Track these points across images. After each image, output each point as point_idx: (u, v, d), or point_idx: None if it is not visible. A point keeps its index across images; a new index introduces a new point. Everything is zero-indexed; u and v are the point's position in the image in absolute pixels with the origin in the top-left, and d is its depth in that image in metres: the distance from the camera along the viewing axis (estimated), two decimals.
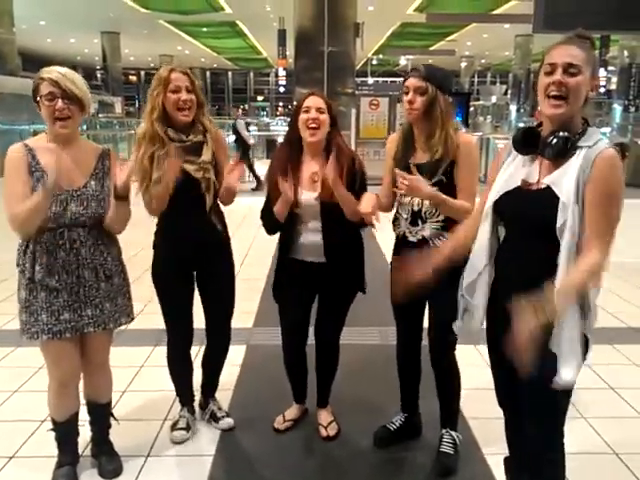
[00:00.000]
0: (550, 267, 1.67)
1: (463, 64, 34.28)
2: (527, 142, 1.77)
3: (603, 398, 3.16)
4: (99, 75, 31.67)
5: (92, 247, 2.23)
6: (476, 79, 39.94)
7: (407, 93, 2.33)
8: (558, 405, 1.83)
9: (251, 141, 11.52)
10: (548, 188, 1.69)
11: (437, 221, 2.35)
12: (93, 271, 2.24)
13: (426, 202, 2.34)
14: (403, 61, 29.33)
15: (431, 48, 27.93)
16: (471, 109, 24.42)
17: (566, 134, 1.67)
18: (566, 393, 1.80)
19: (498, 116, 27.60)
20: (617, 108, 20.15)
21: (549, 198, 1.67)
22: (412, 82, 2.32)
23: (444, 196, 2.26)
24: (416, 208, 2.38)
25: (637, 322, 4.31)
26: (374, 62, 32.55)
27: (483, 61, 34.87)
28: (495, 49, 27.40)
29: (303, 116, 2.45)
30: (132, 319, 2.44)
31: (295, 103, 2.64)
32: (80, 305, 2.23)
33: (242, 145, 11.19)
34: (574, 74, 1.64)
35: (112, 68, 27.40)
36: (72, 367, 2.32)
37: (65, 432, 2.41)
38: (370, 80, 25.19)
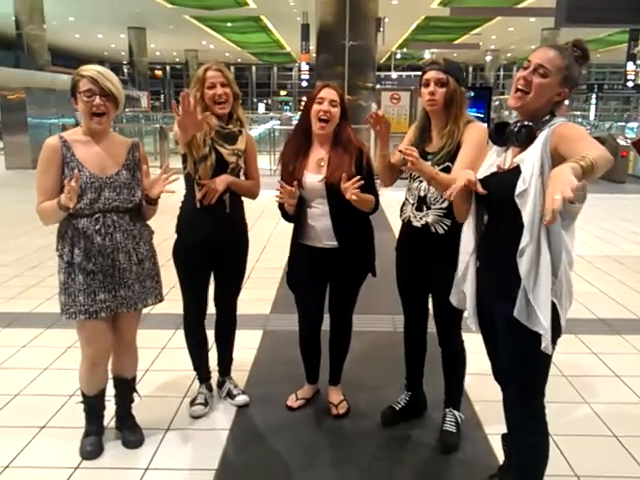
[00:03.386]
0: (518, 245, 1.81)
1: (488, 58, 33.94)
2: (499, 134, 1.92)
3: (607, 385, 3.24)
4: (125, 70, 32.10)
5: (125, 232, 2.40)
6: (502, 73, 39.49)
7: (427, 85, 2.43)
8: (535, 374, 1.94)
9: None
10: (517, 167, 1.82)
11: (440, 208, 2.45)
12: (127, 254, 2.41)
13: (432, 188, 2.43)
14: (427, 55, 29.15)
15: (456, 42, 27.72)
16: (496, 103, 24.23)
17: (527, 122, 1.82)
18: (542, 362, 1.91)
19: None
20: None
21: (516, 174, 1.80)
22: (433, 74, 2.42)
23: (435, 171, 2.27)
24: (422, 194, 2.49)
25: None
26: (398, 56, 32.41)
27: (509, 55, 34.46)
28: (521, 43, 27.09)
29: (316, 107, 2.57)
30: (161, 300, 2.59)
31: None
32: (114, 286, 2.40)
33: None
34: (542, 75, 1.80)
35: (138, 63, 27.79)
36: (104, 346, 2.49)
37: (93, 405, 2.59)
38: (394, 74, 25.11)
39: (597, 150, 1.61)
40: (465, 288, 2.10)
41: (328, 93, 2.59)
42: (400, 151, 2.18)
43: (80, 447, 2.57)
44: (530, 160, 1.78)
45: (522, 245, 1.79)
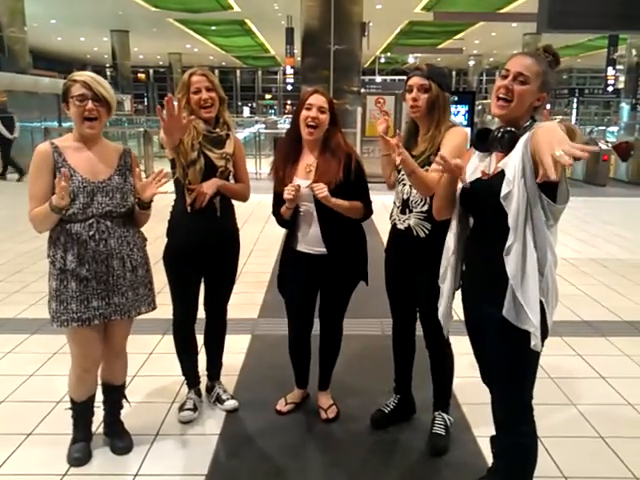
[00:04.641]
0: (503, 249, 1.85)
1: (471, 62, 34.25)
2: (482, 140, 1.96)
3: (594, 387, 3.28)
4: (108, 73, 31.85)
5: (120, 238, 2.39)
6: (484, 77, 39.85)
7: (410, 91, 2.47)
8: (523, 375, 1.97)
9: (11, 135, 11.84)
10: (502, 171, 1.86)
11: (421, 211, 2.49)
12: (121, 261, 2.39)
13: (413, 191, 2.48)
14: (411, 59, 29.33)
15: (439, 46, 27.91)
16: (479, 107, 24.45)
17: (511, 128, 1.86)
18: (530, 362, 1.95)
19: None
20: (625, 107, 20.10)
21: (501, 179, 1.84)
22: (416, 80, 2.46)
23: (416, 166, 2.32)
24: (405, 197, 2.54)
25: (632, 316, 4.41)
26: (382, 60, 32.57)
27: (491, 59, 34.77)
28: (503, 47, 27.31)
29: (304, 113, 2.59)
30: (154, 308, 2.58)
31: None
32: (108, 293, 2.38)
33: (1, 140, 11.74)
34: (522, 82, 1.85)
35: (121, 66, 27.54)
36: (95, 355, 2.47)
37: (82, 411, 2.57)
38: (378, 79, 25.23)
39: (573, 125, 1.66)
40: (443, 288, 2.15)
41: (317, 99, 2.60)
42: (381, 136, 2.32)
43: (68, 454, 2.54)
44: (512, 163, 1.83)
45: (508, 244, 1.83)
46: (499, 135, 1.87)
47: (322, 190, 2.49)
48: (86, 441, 2.58)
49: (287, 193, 2.54)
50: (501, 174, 1.86)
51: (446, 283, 2.14)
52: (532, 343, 1.84)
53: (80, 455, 2.53)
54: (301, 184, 2.63)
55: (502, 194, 1.81)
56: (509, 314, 1.86)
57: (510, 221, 1.81)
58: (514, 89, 1.85)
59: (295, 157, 2.69)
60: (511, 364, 1.95)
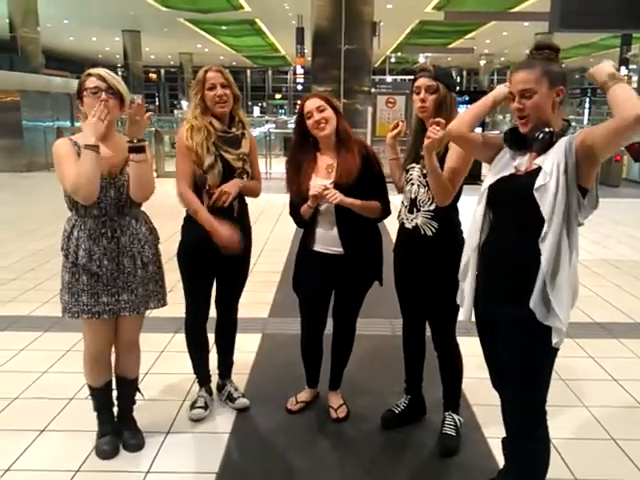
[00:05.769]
0: (536, 253, 1.84)
1: (482, 62, 34.09)
2: (515, 139, 1.96)
3: (605, 389, 3.26)
4: (120, 73, 32.01)
5: (131, 236, 2.42)
6: (495, 77, 39.67)
7: (418, 92, 2.50)
8: (536, 373, 1.96)
9: None
10: (537, 168, 1.87)
11: (428, 210, 2.50)
12: (132, 259, 2.42)
13: (421, 190, 2.50)
14: (422, 59, 29.22)
15: (450, 46, 27.82)
16: None
17: (551, 129, 1.87)
18: (546, 365, 1.95)
19: None
20: None
21: (536, 175, 1.86)
22: (423, 82, 2.48)
23: (437, 166, 2.35)
24: (413, 196, 2.55)
25: None
26: (392, 60, 32.49)
27: (502, 59, 34.60)
28: (514, 47, 27.16)
29: (309, 122, 2.61)
30: (163, 304, 2.60)
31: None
32: (118, 290, 2.41)
33: None
34: (530, 96, 1.86)
35: (133, 66, 27.69)
36: (107, 340, 2.52)
37: (101, 399, 2.59)
38: (389, 78, 25.18)
39: None
40: (464, 284, 2.12)
41: (312, 103, 2.62)
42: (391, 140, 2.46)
43: (96, 447, 2.58)
44: (551, 159, 1.84)
45: (543, 232, 1.83)
46: (540, 136, 1.88)
47: (335, 196, 2.51)
48: (112, 434, 2.60)
49: (314, 190, 2.55)
50: (537, 170, 1.87)
51: (467, 281, 2.11)
52: (554, 341, 1.84)
53: (109, 448, 2.56)
54: (321, 183, 2.62)
55: (536, 186, 1.82)
56: (536, 306, 1.84)
57: (544, 212, 1.81)
58: (525, 105, 1.87)
59: (313, 160, 2.69)
60: (525, 363, 1.93)
